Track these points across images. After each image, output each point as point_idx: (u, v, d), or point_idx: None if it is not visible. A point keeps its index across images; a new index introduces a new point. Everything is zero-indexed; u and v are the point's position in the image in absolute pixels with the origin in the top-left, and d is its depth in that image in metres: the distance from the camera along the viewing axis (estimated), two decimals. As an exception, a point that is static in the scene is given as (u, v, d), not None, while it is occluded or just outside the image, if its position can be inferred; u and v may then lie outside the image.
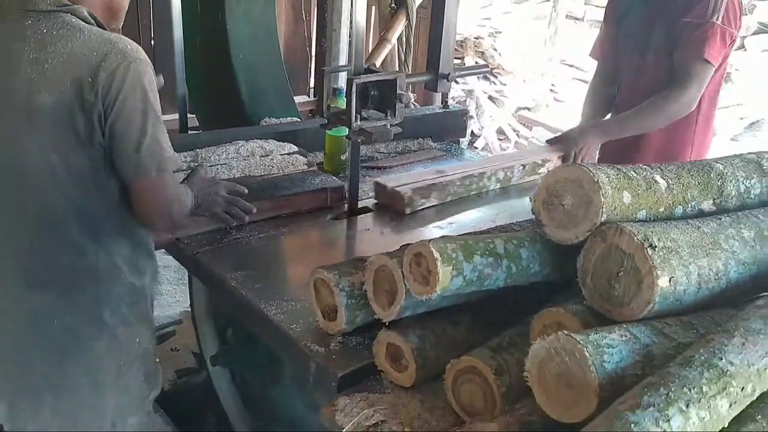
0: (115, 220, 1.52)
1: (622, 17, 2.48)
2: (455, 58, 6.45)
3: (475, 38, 6.61)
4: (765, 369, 0.97)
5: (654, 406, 0.87)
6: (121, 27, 1.63)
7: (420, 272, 1.22)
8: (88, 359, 1.54)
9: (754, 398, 0.98)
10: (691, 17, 2.21)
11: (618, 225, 1.14)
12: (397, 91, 1.86)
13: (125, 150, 1.44)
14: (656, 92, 2.28)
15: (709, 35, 2.18)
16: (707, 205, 1.36)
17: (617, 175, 1.23)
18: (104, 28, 1.49)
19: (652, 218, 1.26)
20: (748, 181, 1.41)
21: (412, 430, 1.23)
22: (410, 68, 4.07)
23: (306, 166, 2.17)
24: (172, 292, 3.61)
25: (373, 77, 1.82)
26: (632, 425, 0.85)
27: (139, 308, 1.62)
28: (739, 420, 0.98)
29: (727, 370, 0.94)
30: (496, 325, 1.36)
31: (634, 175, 1.26)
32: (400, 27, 3.97)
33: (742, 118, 6.96)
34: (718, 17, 2.17)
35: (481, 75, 4.11)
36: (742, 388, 0.94)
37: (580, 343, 1.00)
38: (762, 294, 1.18)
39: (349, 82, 1.78)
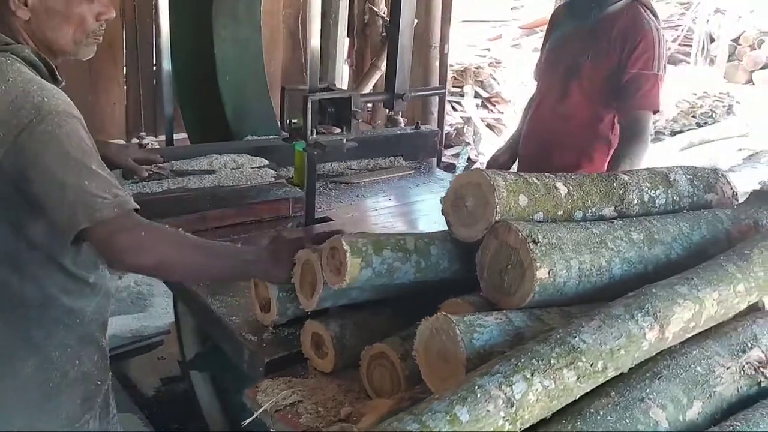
0: (42, 254, 1.44)
1: (554, 40, 2.58)
2: (455, 86, 6.67)
3: (475, 68, 6.80)
4: (618, 349, 1.09)
5: (501, 374, 0.99)
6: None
7: (334, 264, 1.35)
8: (13, 380, 1.47)
9: (609, 376, 1.09)
10: (638, 68, 2.29)
11: (508, 223, 1.27)
12: (352, 108, 2.01)
13: (51, 209, 1.35)
14: (573, 118, 2.42)
15: (657, 87, 2.31)
16: (609, 212, 1.48)
17: (516, 180, 1.37)
18: (51, 68, 1.47)
19: (550, 220, 1.38)
20: (652, 191, 1.52)
21: (324, 409, 1.35)
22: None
23: (274, 179, 2.32)
24: (162, 304, 3.76)
25: (327, 95, 1.97)
26: (476, 387, 0.97)
27: (82, 330, 1.54)
28: (593, 393, 1.09)
29: (578, 347, 1.05)
30: (416, 317, 1.48)
31: (535, 181, 1.39)
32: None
33: (740, 150, 7.04)
34: (661, 69, 2.30)
35: (439, 96, 4.26)
36: (592, 363, 1.05)
37: (453, 322, 1.12)
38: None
39: (305, 99, 1.93)
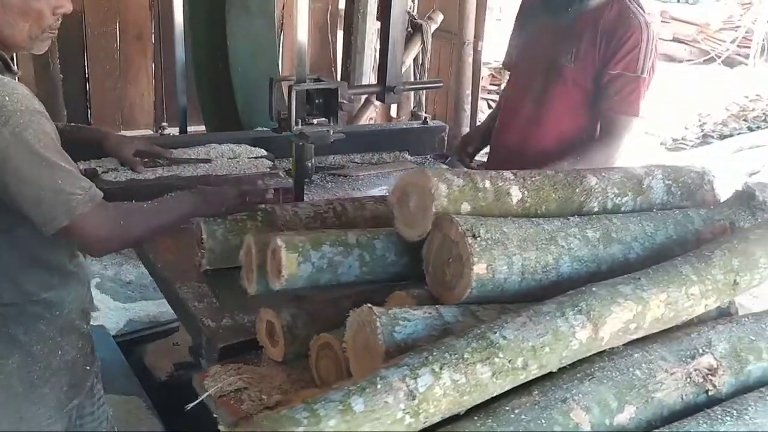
0: (21, 253, 1.47)
1: (529, 32, 2.35)
2: (492, 84, 6.57)
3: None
4: (542, 347, 1.05)
5: (408, 366, 0.97)
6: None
7: (275, 265, 1.35)
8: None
9: (533, 374, 1.06)
10: (621, 68, 2.09)
11: (450, 216, 1.25)
12: (339, 100, 2.00)
13: (28, 209, 1.36)
14: (553, 128, 2.24)
15: (641, 91, 2.10)
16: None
17: (463, 186, 1.32)
18: (5, 60, 1.43)
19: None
20: (618, 199, 1.47)
21: (268, 397, 1.35)
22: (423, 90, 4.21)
23: (269, 169, 2.33)
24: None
25: (312, 86, 1.97)
26: (378, 378, 0.95)
27: (62, 321, 1.56)
28: (516, 391, 1.06)
29: (497, 343, 1.02)
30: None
31: (487, 185, 1.35)
32: (414, 50, 4.12)
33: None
34: (646, 71, 2.10)
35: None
36: (510, 360, 1.02)
37: (375, 314, 1.10)
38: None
39: (290, 89, 1.93)
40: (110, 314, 3.56)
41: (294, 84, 1.95)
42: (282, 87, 2.21)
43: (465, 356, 1.00)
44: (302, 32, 1.97)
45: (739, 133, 7.53)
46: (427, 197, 1.31)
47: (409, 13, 4.08)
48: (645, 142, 6.78)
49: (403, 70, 4.18)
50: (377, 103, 4.18)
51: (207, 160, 2.32)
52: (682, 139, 7.24)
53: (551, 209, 1.42)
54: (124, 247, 1.73)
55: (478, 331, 1.04)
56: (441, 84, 2.29)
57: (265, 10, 3.03)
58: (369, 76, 4.63)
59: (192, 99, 3.03)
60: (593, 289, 1.16)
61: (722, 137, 7.46)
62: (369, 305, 1.12)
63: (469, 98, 4.79)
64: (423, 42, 4.09)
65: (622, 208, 1.48)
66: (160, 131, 3.34)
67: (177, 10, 2.89)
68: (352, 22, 4.53)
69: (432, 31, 4.14)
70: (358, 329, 1.15)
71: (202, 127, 3.40)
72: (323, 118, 2.03)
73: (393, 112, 4.73)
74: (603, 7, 2.15)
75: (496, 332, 1.04)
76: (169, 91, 3.84)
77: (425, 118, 2.85)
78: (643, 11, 2.15)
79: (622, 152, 2.19)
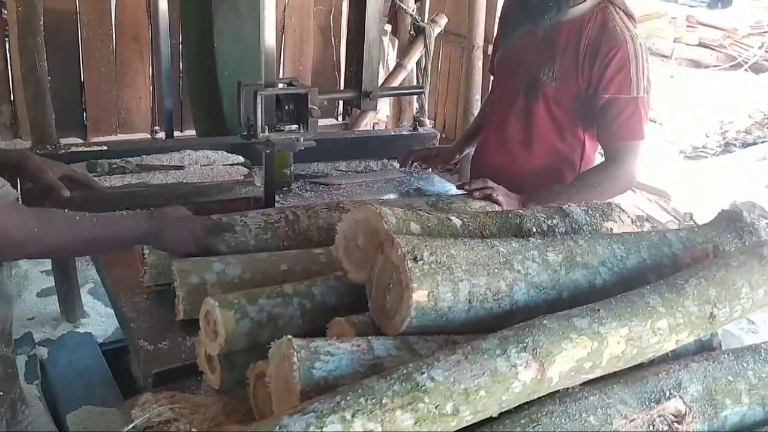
0: None
1: (508, 41, 2.18)
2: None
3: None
4: (477, 390, 0.93)
5: (315, 413, 0.85)
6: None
7: (211, 329, 1.26)
8: None
9: (467, 420, 0.94)
10: (614, 92, 1.92)
11: (392, 237, 1.13)
12: (309, 106, 1.89)
13: None
14: (536, 144, 2.10)
15: (641, 113, 1.94)
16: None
17: (406, 211, 1.26)
18: None
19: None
20: (549, 221, 1.39)
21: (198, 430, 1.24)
22: (427, 94, 4.08)
23: (243, 177, 2.23)
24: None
25: (280, 91, 1.86)
26: (278, 428, 0.83)
27: None
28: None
29: (423, 385, 0.90)
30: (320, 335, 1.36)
31: (426, 214, 1.29)
32: (417, 54, 4.00)
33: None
34: (642, 90, 1.92)
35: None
36: (437, 405, 0.90)
37: (293, 347, 0.99)
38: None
39: (255, 94, 1.83)
40: (100, 321, 3.48)
41: (260, 89, 1.84)
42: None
43: (384, 401, 0.88)
44: (270, 33, 1.87)
45: (763, 142, 7.28)
46: (374, 221, 1.22)
47: (411, 15, 3.97)
48: (664, 150, 6.58)
49: (404, 74, 4.08)
50: (379, 107, 4.07)
51: (179, 167, 2.23)
52: (703, 147, 7.02)
53: (493, 231, 1.34)
54: (43, 256, 1.68)
55: (404, 371, 0.92)
56: (422, 90, 2.18)
57: (256, 13, 2.92)
58: (377, 80, 4.52)
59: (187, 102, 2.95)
60: (544, 322, 1.03)
61: (745, 145, 7.22)
62: (289, 337, 1.01)
63: (479, 103, 4.66)
64: (426, 45, 3.96)
65: (556, 230, 1.40)
66: (152, 135, 3.27)
67: (162, 10, 2.82)
68: (356, 25, 4.42)
69: (435, 34, 4.01)
70: (279, 362, 1.03)
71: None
72: (294, 125, 1.93)
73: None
74: (585, 17, 1.97)
75: (423, 372, 0.92)
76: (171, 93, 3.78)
77: (415, 124, 2.73)
78: (628, 23, 1.96)
79: (635, 177, 2.05)
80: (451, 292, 1.09)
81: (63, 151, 2.21)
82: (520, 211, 1.45)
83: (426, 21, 4.04)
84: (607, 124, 1.97)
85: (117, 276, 1.67)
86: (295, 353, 0.98)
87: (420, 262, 1.08)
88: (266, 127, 1.86)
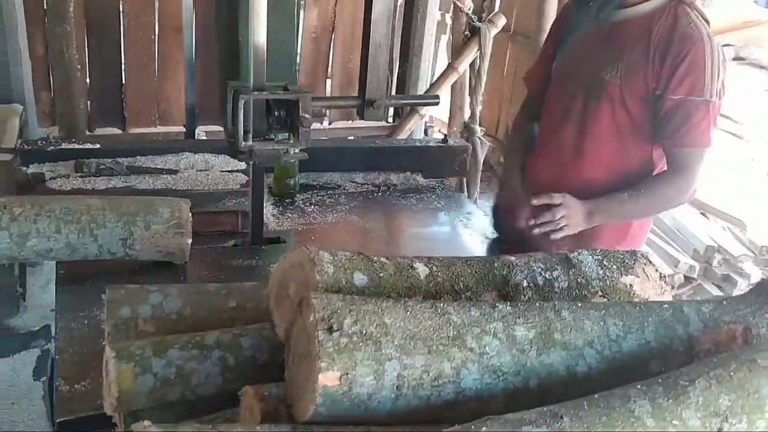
0: None
1: (565, 47, 1.97)
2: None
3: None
4: None
5: None
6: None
7: (109, 381, 1.05)
8: None
9: None
10: (684, 92, 1.71)
11: (310, 295, 0.90)
12: (300, 114, 1.67)
13: None
14: (598, 157, 1.86)
15: (710, 118, 1.73)
16: (491, 297, 1.08)
17: (352, 256, 1.02)
18: None
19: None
20: (548, 273, 1.11)
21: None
22: (479, 99, 3.81)
23: (240, 186, 2.04)
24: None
25: (266, 95, 1.66)
26: None
27: None
28: None
29: None
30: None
31: (382, 259, 1.04)
32: (470, 56, 3.72)
33: None
34: (715, 94, 1.71)
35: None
36: None
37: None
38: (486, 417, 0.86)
39: (237, 98, 1.63)
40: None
41: (242, 92, 1.64)
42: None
43: None
44: (260, 31, 1.66)
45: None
46: (307, 269, 1.00)
47: (467, 14, 3.69)
48: (746, 170, 6.03)
49: (455, 77, 3.81)
50: (424, 111, 3.82)
51: (173, 171, 2.06)
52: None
53: (469, 285, 1.08)
54: None
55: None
56: (438, 100, 1.91)
57: (284, 7, 2.73)
58: (427, 82, 4.27)
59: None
60: (483, 429, 0.78)
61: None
62: (146, 423, 0.80)
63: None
64: (481, 47, 3.68)
65: (556, 284, 1.13)
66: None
67: (187, 2, 2.66)
68: (410, 23, 4.19)
69: (492, 35, 3.72)
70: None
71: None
72: (285, 134, 1.72)
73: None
74: (656, 13, 1.76)
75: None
76: (207, 87, 3.64)
77: (445, 136, 2.48)
78: (705, 21, 1.74)
79: (697, 187, 1.85)
80: (374, 375, 0.85)
81: (52, 147, 2.08)
82: (511, 258, 1.20)
83: (483, 21, 3.75)
84: (675, 128, 1.75)
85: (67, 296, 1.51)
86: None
87: (336, 334, 0.85)
88: (249, 135, 1.66)
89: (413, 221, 2.07)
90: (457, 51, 3.81)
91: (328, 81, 4.29)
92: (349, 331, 0.86)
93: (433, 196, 2.25)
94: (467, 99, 3.89)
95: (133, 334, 1.22)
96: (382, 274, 1.05)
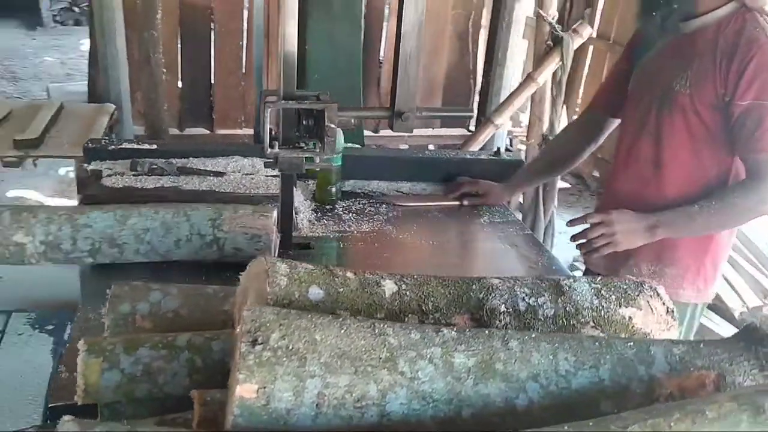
0: None
1: (639, 58, 1.98)
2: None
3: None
4: None
5: None
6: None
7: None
8: None
9: None
10: (753, 97, 1.69)
11: (245, 308, 0.91)
12: (326, 123, 1.70)
13: None
14: (673, 169, 1.85)
15: None
16: (461, 321, 1.05)
17: (313, 270, 1.03)
18: None
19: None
20: (533, 299, 1.06)
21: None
22: (558, 111, 3.70)
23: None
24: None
25: (292, 105, 1.69)
26: None
27: None
28: None
29: None
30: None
31: (349, 275, 1.05)
32: (551, 67, 3.63)
33: None
34: None
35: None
36: None
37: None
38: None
39: (263, 106, 1.67)
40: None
41: (268, 100, 1.68)
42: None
43: None
44: (291, 40, 1.70)
45: None
46: (261, 280, 1.02)
47: (550, 23, 3.60)
48: None
49: (534, 89, 3.72)
50: (500, 121, 3.76)
51: (220, 174, 2.14)
52: None
53: (439, 306, 1.06)
54: None
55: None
56: (472, 113, 1.88)
57: (351, 15, 2.78)
58: (507, 90, 4.21)
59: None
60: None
61: None
62: (67, 417, 0.84)
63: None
64: (563, 58, 3.58)
65: (540, 312, 1.08)
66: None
67: (258, 6, 2.77)
68: (495, 31, 4.13)
69: (576, 46, 3.61)
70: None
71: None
72: (312, 142, 1.75)
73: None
74: (724, 21, 1.76)
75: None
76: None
77: (498, 148, 2.43)
78: None
79: None
80: (293, 390, 0.85)
81: (113, 146, 2.21)
82: (494, 281, 1.17)
83: (567, 30, 3.64)
84: (746, 135, 1.73)
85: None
86: (59, 440, 0.80)
87: (259, 347, 0.86)
88: (275, 142, 1.70)
89: (448, 234, 2.04)
90: (537, 61, 3.73)
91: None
92: (275, 346, 0.86)
93: (477, 210, 2.21)
94: (547, 110, 3.80)
95: (130, 330, 1.29)
96: (341, 290, 1.05)
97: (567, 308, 1.15)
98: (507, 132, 4.58)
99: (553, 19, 3.65)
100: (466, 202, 2.22)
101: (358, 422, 0.87)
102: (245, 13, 3.87)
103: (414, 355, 0.90)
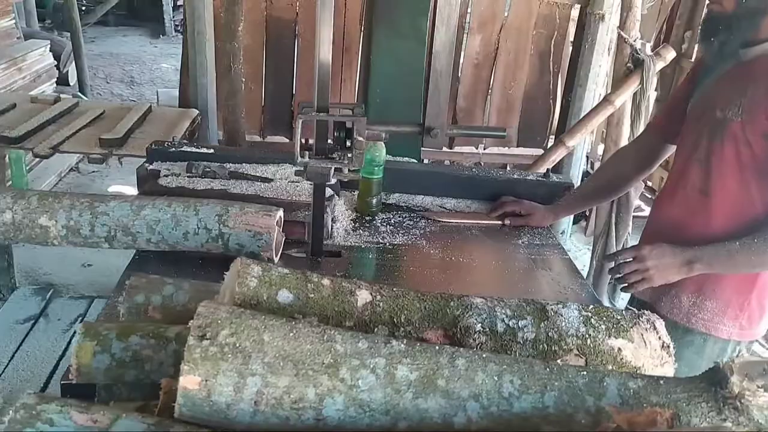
0: None
1: (700, 85, 1.93)
2: None
3: None
4: None
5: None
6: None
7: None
8: None
9: None
10: None
11: (202, 304, 0.97)
12: (355, 137, 1.74)
13: None
14: (722, 201, 1.79)
15: None
16: (436, 336, 1.06)
17: (287, 274, 1.07)
18: None
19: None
20: (514, 321, 1.05)
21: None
22: (636, 134, 3.59)
23: (323, 200, 2.15)
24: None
25: (322, 117, 1.74)
26: None
27: None
28: None
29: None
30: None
31: (324, 282, 1.08)
32: (630, 90, 3.52)
33: None
34: None
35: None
36: None
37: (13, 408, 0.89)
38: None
39: (295, 118, 1.74)
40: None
41: (302, 112, 1.75)
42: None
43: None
44: (325, 53, 1.75)
45: None
46: (233, 280, 1.07)
47: (632, 45, 3.50)
48: None
49: (611, 111, 3.62)
50: (571, 144, 3.67)
51: (267, 180, 2.23)
52: None
53: (412, 319, 1.07)
54: None
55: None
56: (504, 134, 1.86)
57: (418, 33, 2.81)
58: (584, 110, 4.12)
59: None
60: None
61: None
62: (30, 392, 0.91)
63: None
64: (643, 81, 3.47)
65: (519, 335, 1.08)
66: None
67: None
68: (578, 52, 4.06)
69: (658, 69, 3.49)
70: None
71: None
72: (341, 154, 1.80)
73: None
74: None
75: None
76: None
77: (547, 170, 2.39)
78: None
79: None
80: (234, 386, 0.90)
81: (174, 148, 2.34)
82: (476, 300, 1.17)
83: (649, 53, 3.53)
84: None
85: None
86: (16, 412, 0.88)
87: (207, 342, 0.91)
88: (306, 152, 1.76)
89: (480, 252, 2.03)
90: (616, 83, 3.63)
91: (487, 106, 4.30)
92: (222, 342, 0.91)
93: (518, 231, 2.18)
94: (625, 134, 3.68)
95: (142, 318, 1.38)
96: (312, 295, 1.09)
97: (549, 333, 1.14)
98: (586, 155, 4.48)
99: (635, 40, 3.54)
100: (507, 222, 2.21)
101: (294, 423, 0.91)
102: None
103: (357, 364, 0.92)
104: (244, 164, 2.30)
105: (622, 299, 3.28)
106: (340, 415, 0.90)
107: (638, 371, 1.15)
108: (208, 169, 2.22)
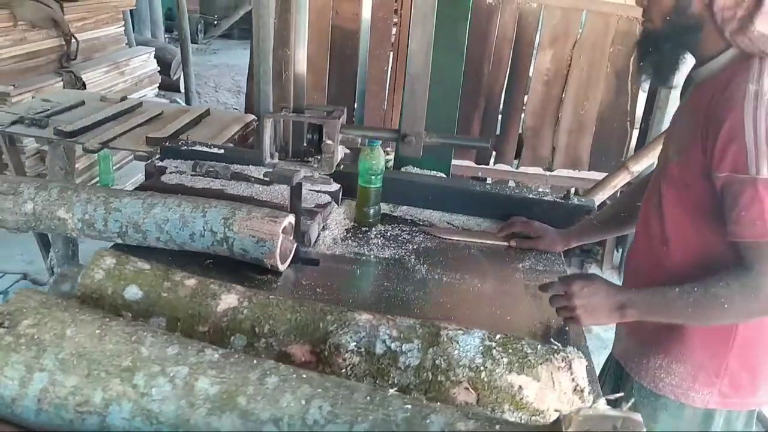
0: None
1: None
2: None
3: None
4: None
5: None
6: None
7: None
8: None
9: None
10: (729, 169, 1.35)
11: (16, 291, 0.92)
12: (324, 140, 1.66)
13: None
14: (682, 245, 1.56)
15: (764, 201, 1.32)
16: (301, 351, 0.97)
17: (149, 270, 1.01)
18: None
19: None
20: (398, 343, 0.94)
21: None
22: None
23: (315, 205, 2.08)
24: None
25: (292, 117, 1.68)
26: None
27: None
28: None
29: None
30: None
31: (188, 283, 1.03)
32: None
33: None
34: (764, 167, 1.31)
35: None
36: None
37: None
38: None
39: (263, 118, 1.69)
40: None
41: (273, 113, 1.69)
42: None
43: None
44: (301, 56, 1.69)
45: None
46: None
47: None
48: None
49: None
50: (636, 170, 3.40)
51: (266, 183, 2.18)
52: None
53: (277, 331, 0.98)
54: None
55: None
56: (488, 145, 1.70)
57: (454, 44, 2.68)
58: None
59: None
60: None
61: None
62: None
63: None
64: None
65: (402, 360, 0.95)
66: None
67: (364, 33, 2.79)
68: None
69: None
70: None
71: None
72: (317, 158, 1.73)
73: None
74: (721, 75, 1.42)
75: None
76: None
77: (567, 191, 2.19)
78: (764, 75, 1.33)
79: None
80: (20, 380, 0.84)
81: (185, 147, 2.35)
82: (362, 317, 1.06)
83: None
84: (726, 214, 1.40)
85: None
86: None
87: (2, 330, 0.86)
88: (274, 154, 1.70)
89: (471, 273, 1.86)
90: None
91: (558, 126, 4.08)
92: (21, 332, 0.86)
93: (524, 254, 2.01)
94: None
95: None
96: (165, 294, 1.01)
97: (437, 361, 1.01)
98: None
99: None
100: (513, 243, 2.04)
101: (79, 427, 0.83)
102: (393, 40, 3.93)
103: (157, 370, 0.84)
104: (250, 166, 2.27)
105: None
106: (124, 425, 0.82)
107: (540, 415, 0.99)
108: (211, 169, 2.21)
